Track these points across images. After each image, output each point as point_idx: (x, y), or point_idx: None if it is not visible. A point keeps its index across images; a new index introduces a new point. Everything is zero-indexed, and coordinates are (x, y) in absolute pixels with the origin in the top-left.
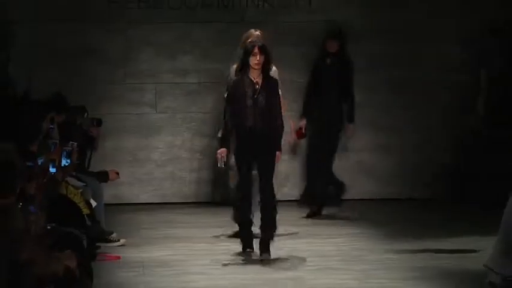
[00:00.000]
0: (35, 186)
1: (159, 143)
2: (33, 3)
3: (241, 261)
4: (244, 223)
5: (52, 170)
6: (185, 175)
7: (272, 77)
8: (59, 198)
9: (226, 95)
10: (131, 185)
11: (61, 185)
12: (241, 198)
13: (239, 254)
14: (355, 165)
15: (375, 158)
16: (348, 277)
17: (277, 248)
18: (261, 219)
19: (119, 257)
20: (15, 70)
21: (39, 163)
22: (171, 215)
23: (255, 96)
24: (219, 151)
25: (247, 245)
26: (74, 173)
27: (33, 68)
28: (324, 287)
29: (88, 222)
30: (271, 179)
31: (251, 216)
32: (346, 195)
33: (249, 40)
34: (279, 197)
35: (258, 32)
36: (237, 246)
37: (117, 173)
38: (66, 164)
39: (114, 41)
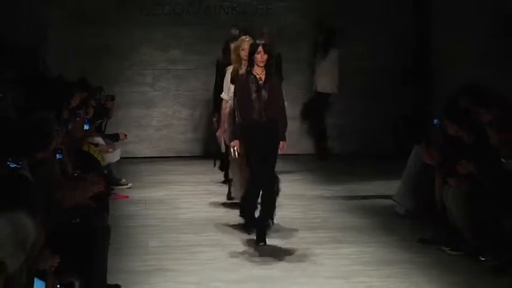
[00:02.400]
0: (61, 141)
1: (156, 113)
2: (65, 11)
3: (218, 200)
4: (251, 216)
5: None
6: (175, 136)
7: (274, 75)
8: (83, 153)
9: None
10: (136, 143)
11: (84, 143)
12: (250, 193)
13: (217, 194)
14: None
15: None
16: (294, 210)
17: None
18: (261, 207)
19: (127, 197)
20: (51, 61)
21: (69, 127)
22: (166, 166)
23: (259, 91)
24: (232, 143)
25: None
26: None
27: (64, 59)
28: (278, 217)
29: (104, 171)
30: (274, 169)
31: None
32: (293, 151)
33: (242, 48)
34: None
35: (248, 38)
36: (215, 187)
37: (126, 135)
38: (87, 128)
39: (123, 39)
